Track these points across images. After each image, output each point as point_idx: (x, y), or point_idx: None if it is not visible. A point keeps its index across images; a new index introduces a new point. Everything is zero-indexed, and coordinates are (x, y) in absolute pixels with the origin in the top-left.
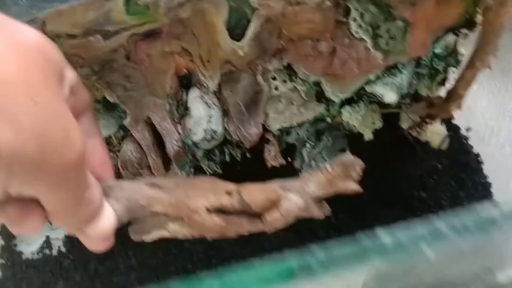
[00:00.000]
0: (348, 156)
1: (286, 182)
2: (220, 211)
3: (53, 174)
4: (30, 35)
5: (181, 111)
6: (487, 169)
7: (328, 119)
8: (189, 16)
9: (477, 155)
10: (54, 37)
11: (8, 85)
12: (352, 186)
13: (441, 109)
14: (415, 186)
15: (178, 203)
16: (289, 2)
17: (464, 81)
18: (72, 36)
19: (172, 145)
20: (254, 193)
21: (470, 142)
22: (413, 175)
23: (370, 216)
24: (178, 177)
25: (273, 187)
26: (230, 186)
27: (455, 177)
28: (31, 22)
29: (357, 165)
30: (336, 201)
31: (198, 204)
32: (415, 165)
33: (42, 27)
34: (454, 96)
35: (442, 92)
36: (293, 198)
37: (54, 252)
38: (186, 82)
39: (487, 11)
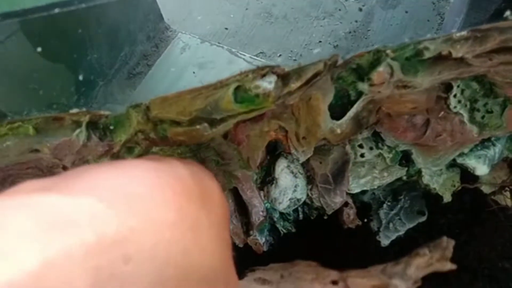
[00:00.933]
0: (443, 239)
1: (387, 267)
2: None
3: None
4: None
5: (268, 180)
6: None
7: (404, 178)
8: (296, 101)
9: None
10: (158, 122)
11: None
12: (448, 266)
13: None
14: (498, 255)
15: None
16: (397, 86)
17: None
18: (177, 123)
19: (258, 216)
20: (359, 281)
21: None
22: (496, 243)
23: (454, 285)
24: (277, 266)
25: (377, 273)
26: (334, 274)
27: None
28: (134, 107)
29: (450, 245)
30: None
31: None
32: (496, 232)
33: (145, 112)
34: None
35: None
36: (397, 284)
37: None
38: (270, 148)
39: None
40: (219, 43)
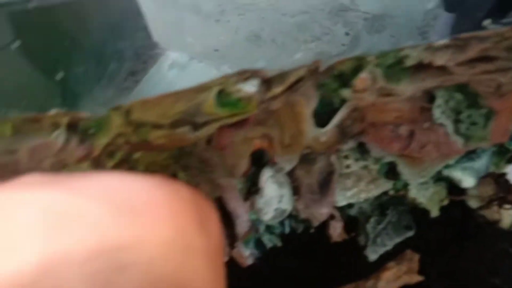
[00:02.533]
0: (407, 252)
1: (359, 283)
2: None
3: None
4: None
5: (253, 190)
6: None
7: (392, 192)
8: (279, 107)
9: None
10: (139, 125)
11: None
12: (416, 278)
13: None
14: (487, 271)
15: None
16: (381, 94)
17: None
18: (158, 126)
19: (243, 226)
20: None
21: None
22: (484, 258)
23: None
24: None
25: None
26: None
27: None
28: (115, 109)
29: (415, 257)
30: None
31: None
32: (485, 247)
33: (126, 115)
34: None
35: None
36: None
37: None
38: (257, 158)
39: None
40: (208, 61)
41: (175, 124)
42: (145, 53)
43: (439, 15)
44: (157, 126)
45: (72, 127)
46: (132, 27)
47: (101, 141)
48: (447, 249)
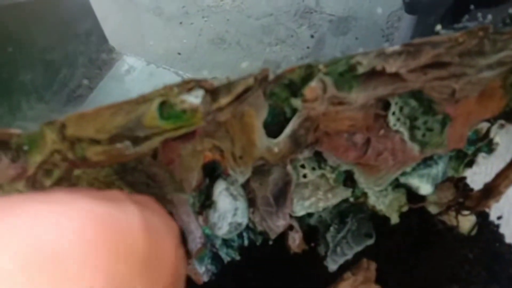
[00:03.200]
0: (363, 261)
1: None
2: None
3: None
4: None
5: (206, 204)
6: None
7: (351, 199)
8: (228, 118)
9: (510, 246)
10: (75, 141)
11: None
12: (374, 287)
13: (478, 203)
14: (446, 278)
15: None
16: (332, 102)
17: (507, 180)
18: (96, 142)
19: (195, 243)
20: None
21: (501, 230)
22: (444, 265)
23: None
24: None
25: None
26: None
27: (487, 268)
28: (48, 125)
29: (372, 266)
30: None
31: None
32: (444, 253)
33: (61, 130)
34: (494, 193)
35: (467, 173)
36: None
37: None
38: (209, 169)
39: None
40: (167, 66)
41: (114, 139)
42: (99, 58)
43: (402, 17)
44: (94, 142)
45: (3, 144)
46: (86, 30)
47: (35, 159)
48: (407, 257)
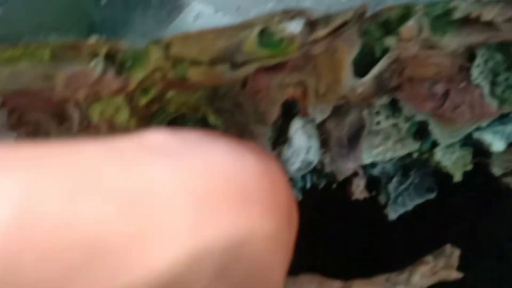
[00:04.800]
0: (447, 247)
1: (392, 275)
2: None
3: None
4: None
5: (280, 140)
6: None
7: (415, 155)
8: (320, 52)
9: None
10: (177, 61)
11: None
12: (454, 275)
13: None
14: (507, 236)
15: None
16: (425, 46)
17: None
18: (197, 63)
19: None
20: None
21: None
22: (505, 224)
23: (460, 264)
24: None
25: (381, 281)
26: (337, 283)
27: None
28: (155, 42)
29: (455, 253)
30: None
31: None
32: (506, 213)
33: (166, 49)
34: None
35: None
36: None
37: None
38: (287, 109)
39: None
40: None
41: (214, 61)
42: (169, 3)
43: None
44: (196, 63)
45: (110, 57)
46: None
47: (138, 75)
48: (468, 214)
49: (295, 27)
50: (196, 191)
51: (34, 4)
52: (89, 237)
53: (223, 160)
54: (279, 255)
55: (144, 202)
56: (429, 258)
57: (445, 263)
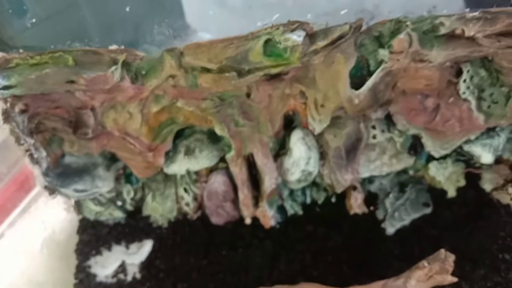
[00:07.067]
0: (442, 252)
1: (388, 281)
2: None
3: None
4: None
5: (281, 152)
6: None
7: (411, 172)
8: (320, 62)
9: None
10: (189, 69)
11: None
12: (449, 279)
13: None
14: (499, 248)
15: None
16: (414, 59)
17: None
18: (207, 70)
19: (271, 182)
20: None
21: None
22: (497, 236)
23: (457, 273)
24: (281, 286)
25: (378, 287)
26: None
27: None
28: (169, 51)
29: (450, 258)
30: None
31: None
32: (498, 226)
33: (179, 57)
34: None
35: None
36: None
37: (129, 278)
38: (287, 121)
39: None
40: None
41: (223, 69)
42: (174, 33)
43: None
44: (205, 70)
45: (126, 65)
46: (169, 5)
47: (152, 82)
48: (463, 227)
49: (298, 36)
50: None
51: (58, 17)
52: None
53: None
54: None
55: None
56: (424, 263)
57: (439, 267)
